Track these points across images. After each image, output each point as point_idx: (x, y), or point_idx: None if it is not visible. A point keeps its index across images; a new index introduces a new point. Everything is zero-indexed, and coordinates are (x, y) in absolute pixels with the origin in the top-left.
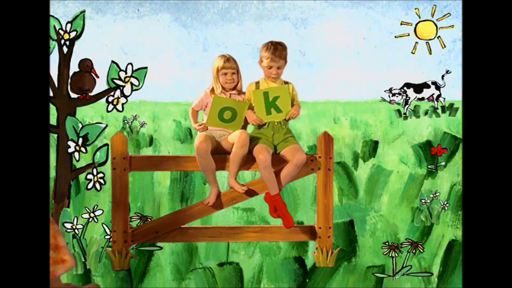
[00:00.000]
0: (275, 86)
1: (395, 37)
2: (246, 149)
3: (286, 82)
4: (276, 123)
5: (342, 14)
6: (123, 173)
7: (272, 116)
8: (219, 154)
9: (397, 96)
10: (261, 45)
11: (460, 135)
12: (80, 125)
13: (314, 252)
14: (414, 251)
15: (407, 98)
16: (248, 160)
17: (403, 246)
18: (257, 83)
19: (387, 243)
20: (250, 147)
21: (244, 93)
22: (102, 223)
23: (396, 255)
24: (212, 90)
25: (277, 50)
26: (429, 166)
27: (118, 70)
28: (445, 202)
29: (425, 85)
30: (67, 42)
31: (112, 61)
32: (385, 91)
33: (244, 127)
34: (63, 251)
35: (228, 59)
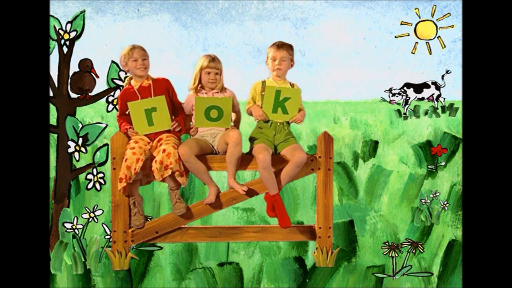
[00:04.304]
0: (287, 87)
1: (395, 37)
2: (241, 148)
3: (292, 85)
4: (278, 124)
5: (342, 14)
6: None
7: (278, 115)
8: (218, 154)
9: (397, 96)
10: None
11: (460, 135)
12: (80, 125)
13: (314, 252)
14: (414, 251)
15: (407, 98)
16: (248, 160)
17: (403, 246)
18: (264, 82)
19: (387, 243)
20: (250, 146)
21: (226, 90)
22: (102, 223)
23: (396, 255)
24: (195, 91)
25: (281, 43)
26: (429, 166)
27: (118, 70)
28: (445, 202)
29: (425, 85)
30: (67, 42)
31: (112, 61)
32: (385, 91)
33: (236, 124)
34: None
35: (213, 59)
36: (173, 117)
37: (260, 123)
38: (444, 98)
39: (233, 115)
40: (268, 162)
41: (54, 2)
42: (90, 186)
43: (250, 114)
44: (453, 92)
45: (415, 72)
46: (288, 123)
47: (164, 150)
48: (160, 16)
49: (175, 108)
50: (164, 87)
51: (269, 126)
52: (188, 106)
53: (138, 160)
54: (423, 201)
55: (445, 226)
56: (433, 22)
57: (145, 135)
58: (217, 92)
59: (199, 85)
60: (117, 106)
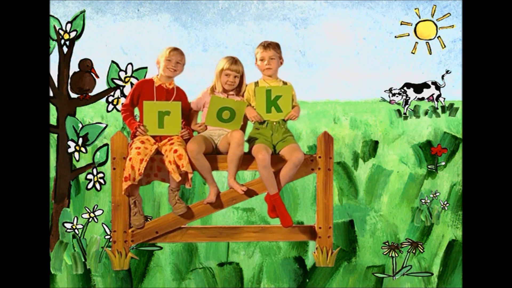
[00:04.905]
0: (278, 86)
1: (395, 37)
2: (243, 148)
3: (285, 83)
4: (274, 123)
5: (342, 14)
6: (123, 173)
7: (272, 115)
8: (219, 154)
9: (397, 96)
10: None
11: (460, 135)
12: (80, 125)
13: (314, 252)
14: (414, 251)
15: (407, 98)
16: (248, 160)
17: (403, 246)
18: (256, 83)
19: (387, 243)
20: (249, 147)
21: (243, 96)
22: (102, 223)
23: (396, 255)
24: (212, 89)
25: (267, 43)
26: (429, 166)
27: (118, 70)
28: (445, 202)
29: (425, 85)
30: (67, 42)
31: (112, 61)
32: (385, 91)
33: (242, 128)
34: None
35: (236, 61)
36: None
37: (256, 124)
38: (444, 98)
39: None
40: (268, 161)
41: (54, 2)
42: (90, 186)
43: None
44: (453, 92)
45: (415, 72)
46: (284, 121)
47: (176, 151)
48: (160, 16)
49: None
50: (182, 97)
51: (265, 126)
52: (200, 101)
53: (142, 160)
54: (423, 201)
55: (445, 226)
56: (433, 22)
57: (152, 136)
58: (232, 94)
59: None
60: (117, 106)
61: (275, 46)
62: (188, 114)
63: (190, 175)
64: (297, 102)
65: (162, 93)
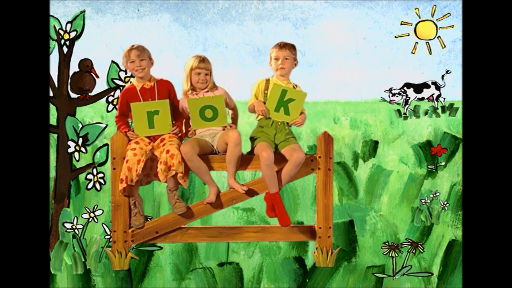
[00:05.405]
0: (295, 89)
1: (395, 37)
2: (240, 148)
3: (295, 85)
4: (279, 123)
5: (342, 14)
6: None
7: (279, 115)
8: (218, 154)
9: (397, 96)
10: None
11: (460, 135)
12: (80, 125)
13: (314, 252)
14: (414, 251)
15: (407, 98)
16: (248, 160)
17: (403, 246)
18: (267, 80)
19: (387, 243)
20: (251, 145)
21: (217, 88)
22: (102, 223)
23: (396, 255)
24: (186, 93)
25: (283, 43)
26: (429, 166)
27: (118, 70)
28: (445, 202)
29: (425, 85)
30: (67, 42)
31: (112, 61)
32: (385, 91)
33: (234, 120)
34: None
35: (204, 59)
36: (173, 121)
37: (262, 121)
38: (444, 98)
39: (230, 112)
40: (271, 160)
41: (54, 2)
42: (90, 186)
43: (252, 109)
44: (453, 92)
45: (415, 72)
46: (288, 124)
47: (168, 151)
48: (160, 16)
49: (176, 111)
50: (166, 89)
51: (270, 125)
52: (182, 109)
53: (139, 161)
54: (423, 201)
55: (445, 226)
56: (433, 22)
57: (146, 136)
58: (207, 91)
59: (191, 87)
60: (117, 106)
61: (291, 47)
62: (177, 107)
63: (179, 175)
64: (304, 110)
65: (146, 94)
